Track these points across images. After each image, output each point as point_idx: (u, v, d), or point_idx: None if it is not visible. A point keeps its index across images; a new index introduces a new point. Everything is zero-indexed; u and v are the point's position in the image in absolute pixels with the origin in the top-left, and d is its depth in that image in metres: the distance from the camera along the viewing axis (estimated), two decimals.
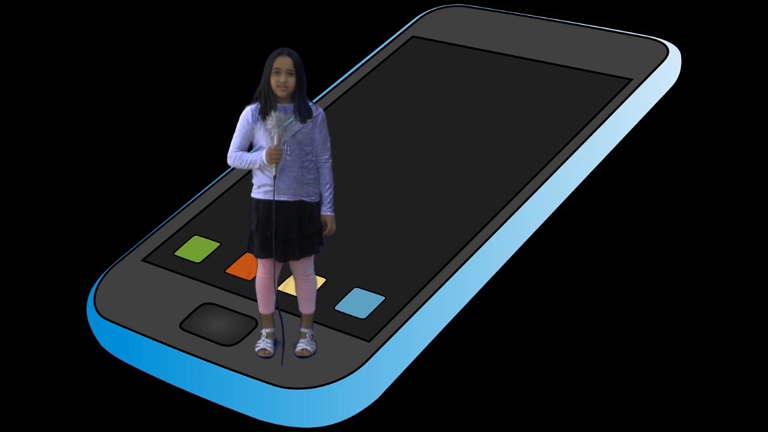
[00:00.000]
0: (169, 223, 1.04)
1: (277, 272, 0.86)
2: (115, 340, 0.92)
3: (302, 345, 0.87)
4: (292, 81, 0.83)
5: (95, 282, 0.97)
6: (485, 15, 1.30)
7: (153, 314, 0.93)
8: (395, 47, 1.26)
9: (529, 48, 1.22)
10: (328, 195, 0.86)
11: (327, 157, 0.85)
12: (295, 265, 0.86)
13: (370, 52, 1.26)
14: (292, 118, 0.83)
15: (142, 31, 1.39)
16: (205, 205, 1.06)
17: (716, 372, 0.87)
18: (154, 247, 1.01)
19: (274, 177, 0.83)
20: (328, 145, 0.86)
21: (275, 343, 0.88)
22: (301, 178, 0.84)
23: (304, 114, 0.84)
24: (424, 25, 1.29)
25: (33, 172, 1.16)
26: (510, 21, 1.28)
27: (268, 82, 0.83)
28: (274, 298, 0.87)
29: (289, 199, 0.84)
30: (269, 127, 0.83)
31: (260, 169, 0.84)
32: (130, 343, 0.91)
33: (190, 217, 1.04)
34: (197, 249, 1.00)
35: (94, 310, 0.94)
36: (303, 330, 0.88)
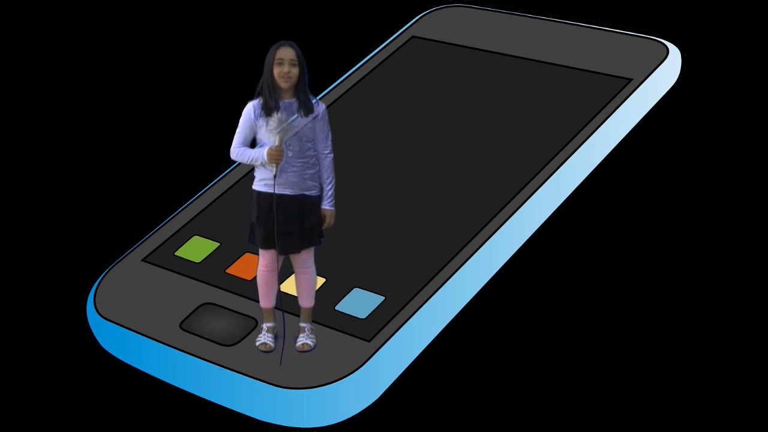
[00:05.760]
0: (169, 223, 1.04)
1: (279, 264, 0.86)
2: (115, 340, 0.92)
3: (302, 339, 0.88)
4: (295, 71, 0.83)
5: (95, 282, 0.97)
6: (485, 15, 1.30)
7: (153, 314, 0.93)
8: (395, 47, 1.26)
9: (529, 48, 1.22)
10: (328, 189, 0.86)
11: (328, 151, 0.86)
12: (296, 258, 0.86)
13: (370, 52, 1.26)
14: (294, 116, 0.83)
15: (142, 31, 1.39)
16: (205, 205, 1.06)
17: (716, 372, 0.87)
18: (154, 247, 1.01)
19: (275, 176, 0.83)
20: (329, 139, 0.86)
21: (276, 338, 0.88)
22: (303, 173, 0.84)
23: (307, 109, 0.84)
24: (424, 25, 1.29)
25: (33, 172, 1.16)
26: (510, 21, 1.28)
27: (271, 74, 0.83)
28: (275, 291, 0.87)
29: (291, 193, 0.84)
30: (271, 128, 0.83)
31: (262, 165, 0.84)
32: (130, 343, 0.91)
33: (190, 217, 1.04)
34: (197, 249, 1.00)
35: (94, 310, 0.94)
36: (302, 324, 0.88)
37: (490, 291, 0.96)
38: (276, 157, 0.83)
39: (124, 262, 0.99)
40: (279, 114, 0.83)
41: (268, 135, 0.84)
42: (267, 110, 0.83)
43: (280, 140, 0.83)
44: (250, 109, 0.85)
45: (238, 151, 0.85)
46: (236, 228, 0.98)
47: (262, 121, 0.84)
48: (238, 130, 0.85)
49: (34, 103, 1.27)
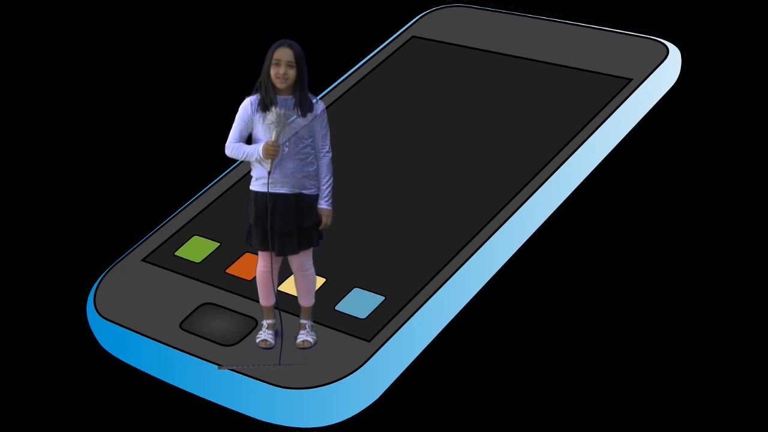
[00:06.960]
0: (169, 223, 1.04)
1: (277, 265, 0.86)
2: (115, 340, 0.92)
3: (302, 336, 0.88)
4: (292, 73, 0.83)
5: (95, 282, 0.97)
6: (485, 15, 1.30)
7: (153, 314, 0.93)
8: (395, 47, 1.26)
9: (529, 48, 1.22)
10: (325, 188, 0.85)
11: (326, 150, 0.85)
12: (293, 260, 0.86)
13: (370, 52, 1.26)
14: (294, 117, 0.83)
15: (142, 31, 1.39)
16: (205, 205, 1.06)
17: (716, 372, 0.87)
18: (154, 247, 1.01)
19: (269, 172, 0.83)
20: (328, 138, 0.85)
21: (276, 335, 0.88)
22: (300, 171, 0.84)
23: (305, 108, 0.83)
24: (424, 25, 1.29)
25: (33, 172, 1.16)
26: (510, 21, 1.28)
27: (268, 74, 0.83)
28: (274, 290, 0.87)
29: (288, 192, 0.84)
30: (269, 122, 0.83)
31: (257, 162, 0.84)
32: (130, 343, 0.91)
33: (190, 217, 1.04)
34: (197, 249, 1.00)
35: (94, 310, 0.94)
36: (302, 321, 0.88)
37: (490, 291, 0.96)
38: (272, 152, 0.82)
39: (124, 262, 0.99)
40: (278, 109, 0.83)
41: (265, 130, 0.83)
42: (264, 106, 0.83)
43: (277, 136, 0.83)
44: (247, 104, 0.84)
45: (233, 146, 0.84)
46: (236, 228, 0.98)
47: (259, 116, 0.84)
48: (234, 125, 0.85)
49: (34, 104, 1.27)
